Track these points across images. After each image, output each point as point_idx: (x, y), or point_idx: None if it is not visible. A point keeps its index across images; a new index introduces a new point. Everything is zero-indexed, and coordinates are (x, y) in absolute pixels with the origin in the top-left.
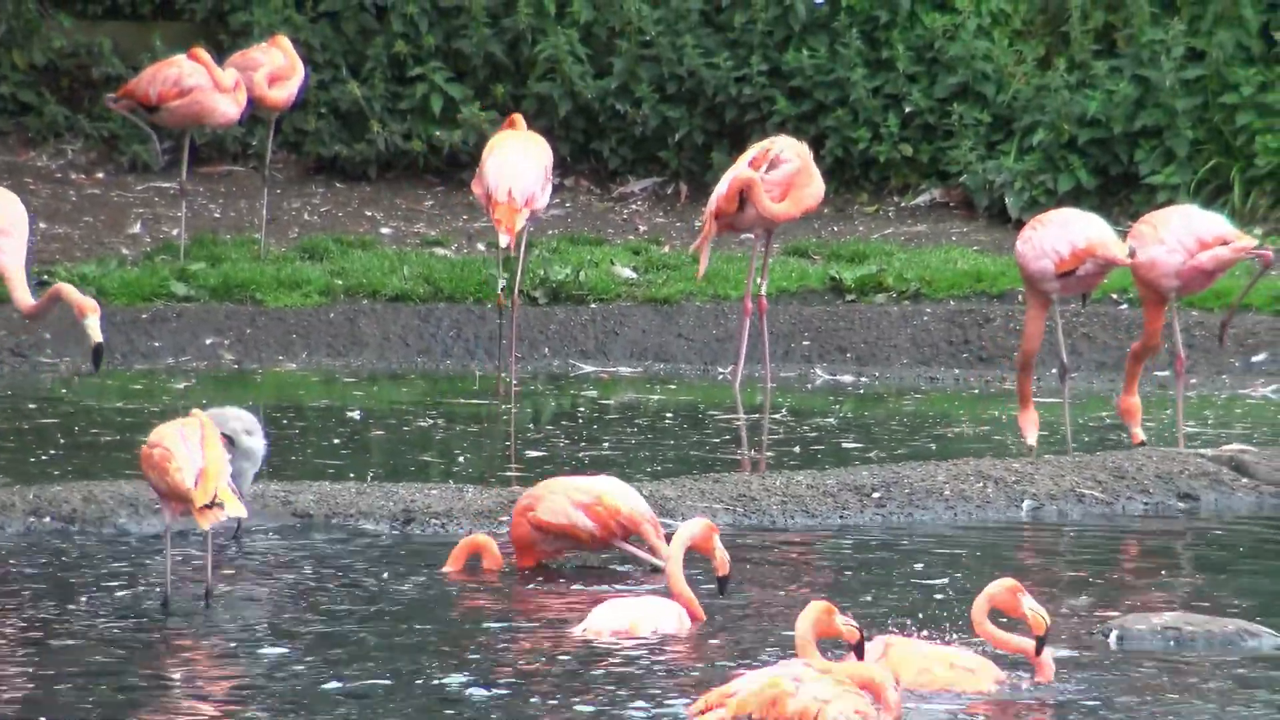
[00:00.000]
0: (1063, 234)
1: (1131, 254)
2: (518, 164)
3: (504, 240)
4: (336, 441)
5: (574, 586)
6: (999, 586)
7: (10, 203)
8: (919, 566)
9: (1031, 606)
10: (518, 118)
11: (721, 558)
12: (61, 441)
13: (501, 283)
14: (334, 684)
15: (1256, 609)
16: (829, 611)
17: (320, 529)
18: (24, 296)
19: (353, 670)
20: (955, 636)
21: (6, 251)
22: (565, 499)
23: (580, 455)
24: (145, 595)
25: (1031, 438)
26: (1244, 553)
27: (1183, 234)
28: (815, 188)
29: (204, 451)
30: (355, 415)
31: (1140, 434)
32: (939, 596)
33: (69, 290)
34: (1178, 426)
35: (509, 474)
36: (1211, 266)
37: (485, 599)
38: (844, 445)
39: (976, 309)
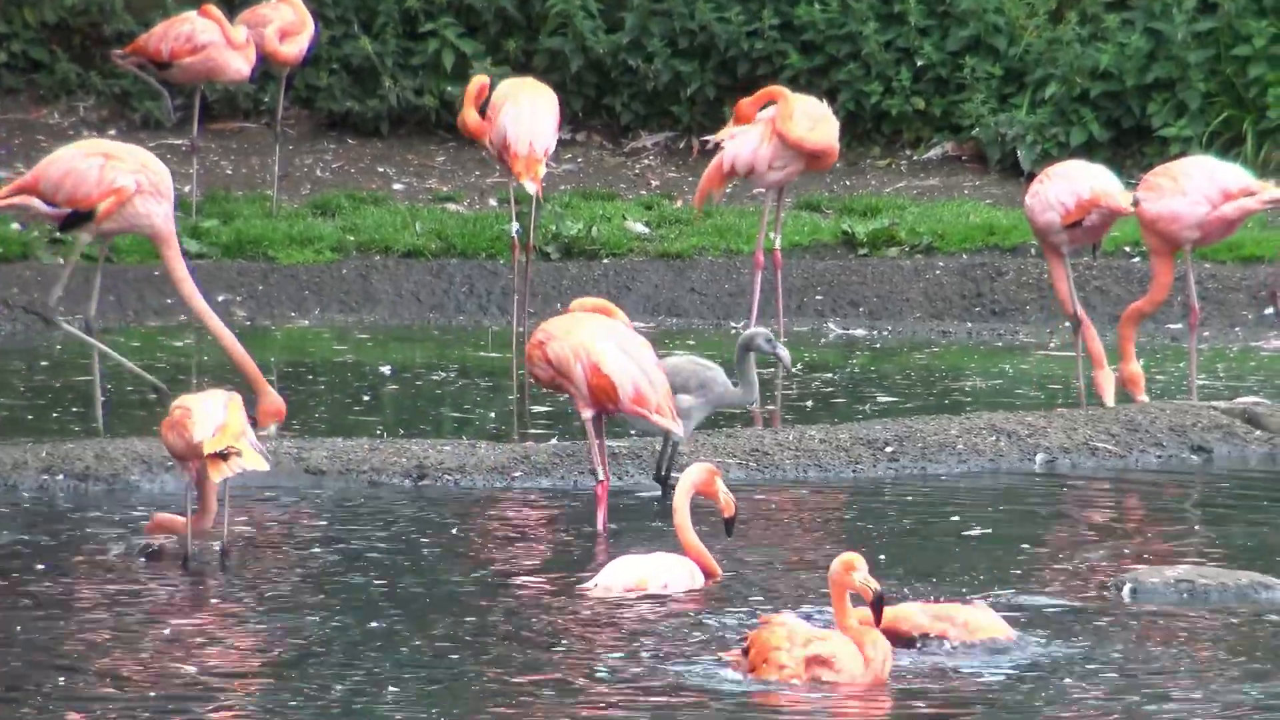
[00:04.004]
0: (1068, 186)
1: (1135, 203)
2: (535, 115)
3: (532, 189)
4: (349, 398)
5: (585, 543)
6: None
7: (163, 170)
8: (932, 520)
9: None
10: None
11: (726, 499)
12: (80, 399)
13: (515, 227)
14: (345, 640)
15: (1270, 561)
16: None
17: (334, 485)
18: (188, 283)
19: (364, 626)
20: (966, 590)
21: (170, 218)
22: (570, 351)
23: None
24: (160, 553)
25: (1109, 399)
26: (1257, 505)
27: (1205, 185)
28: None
29: (226, 412)
30: (368, 371)
31: (1145, 399)
32: (953, 549)
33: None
34: (1190, 379)
35: (528, 430)
36: (1236, 216)
37: (497, 555)
38: (857, 399)
39: (989, 262)
